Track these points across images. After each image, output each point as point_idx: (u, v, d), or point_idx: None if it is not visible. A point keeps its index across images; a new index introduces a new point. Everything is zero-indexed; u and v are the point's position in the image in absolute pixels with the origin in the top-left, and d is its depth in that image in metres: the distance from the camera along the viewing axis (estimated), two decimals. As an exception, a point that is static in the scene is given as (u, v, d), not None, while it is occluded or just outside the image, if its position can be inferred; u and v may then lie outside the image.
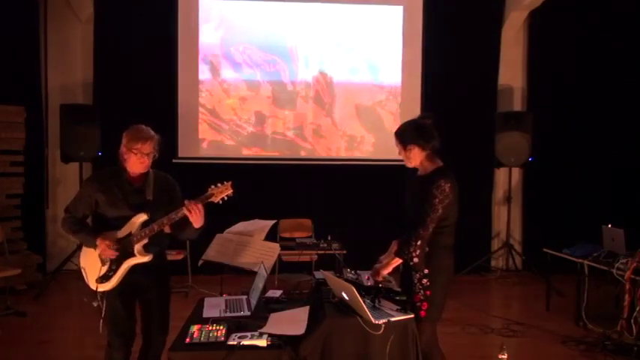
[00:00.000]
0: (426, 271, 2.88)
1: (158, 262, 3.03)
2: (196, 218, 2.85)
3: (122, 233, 2.92)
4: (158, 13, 6.47)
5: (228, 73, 5.48)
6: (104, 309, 2.93)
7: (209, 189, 2.89)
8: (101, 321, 2.93)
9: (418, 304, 2.88)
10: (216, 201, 2.86)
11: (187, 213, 2.83)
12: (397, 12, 6.20)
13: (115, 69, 6.43)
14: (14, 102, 5.94)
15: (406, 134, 2.96)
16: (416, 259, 2.88)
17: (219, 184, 2.89)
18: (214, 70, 5.60)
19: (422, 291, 2.89)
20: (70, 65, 6.64)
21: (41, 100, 6.48)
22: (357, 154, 6.06)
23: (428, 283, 2.88)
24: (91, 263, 2.97)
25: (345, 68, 5.83)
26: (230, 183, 2.89)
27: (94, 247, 2.91)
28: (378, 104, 5.85)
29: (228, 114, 5.53)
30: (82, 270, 3.01)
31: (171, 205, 2.92)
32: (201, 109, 6.30)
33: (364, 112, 5.81)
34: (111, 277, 2.92)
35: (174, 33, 6.46)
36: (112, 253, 2.88)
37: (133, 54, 6.45)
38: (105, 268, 2.92)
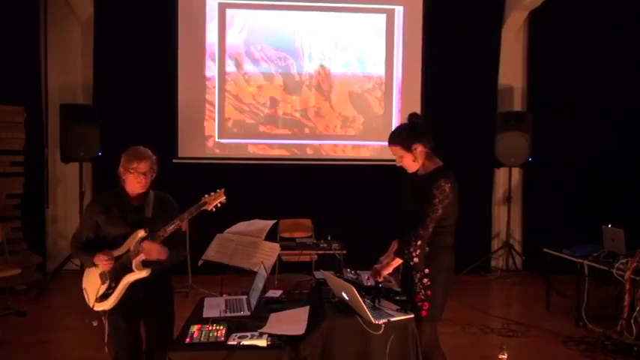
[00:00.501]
0: (427, 270, 2.88)
1: (159, 281, 3.03)
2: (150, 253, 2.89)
3: (121, 250, 2.93)
4: (158, 12, 6.47)
5: (248, 67, 6.69)
6: (107, 330, 2.94)
7: (202, 197, 2.92)
8: (105, 345, 2.94)
9: (419, 303, 2.88)
10: (209, 209, 2.90)
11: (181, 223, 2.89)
12: (381, 18, 6.83)
13: (115, 69, 6.43)
14: (14, 102, 5.94)
15: (406, 136, 2.92)
16: (416, 259, 2.88)
17: (212, 193, 2.93)
18: (238, 64, 6.68)
19: (423, 291, 2.88)
20: (70, 65, 6.64)
21: (41, 100, 6.47)
22: (350, 132, 6.86)
23: (429, 283, 2.87)
24: (92, 283, 2.99)
25: (340, 63, 6.81)
26: (223, 190, 2.93)
27: (94, 264, 2.93)
28: (366, 91, 6.85)
29: (248, 99, 6.73)
30: (84, 291, 3.03)
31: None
32: (208, 106, 6.65)
33: (355, 97, 6.83)
34: (110, 294, 2.92)
35: (174, 32, 6.47)
36: (107, 264, 2.89)
37: (133, 54, 6.45)
38: (104, 287, 2.94)
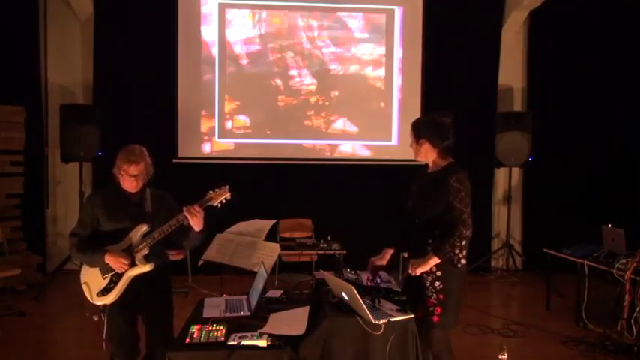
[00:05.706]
0: (439, 273, 2.81)
1: (159, 276, 3.04)
2: (196, 221, 2.90)
3: (123, 245, 2.94)
4: (158, 12, 6.47)
5: (248, 67, 6.38)
6: (105, 326, 2.95)
7: (207, 193, 2.93)
8: (103, 340, 2.95)
9: (431, 308, 2.81)
10: (214, 204, 2.92)
11: (187, 216, 2.87)
12: (381, 18, 6.73)
13: (115, 69, 6.43)
14: (14, 102, 5.94)
15: (422, 128, 2.92)
16: (463, 261, 2.81)
17: (217, 189, 2.94)
18: (237, 65, 6.44)
19: (435, 294, 2.82)
20: (70, 65, 6.63)
21: (41, 100, 6.47)
22: (351, 131, 6.72)
23: (441, 286, 2.81)
24: (92, 277, 2.99)
25: (344, 64, 6.69)
26: (227, 187, 2.94)
27: (102, 264, 2.93)
28: (366, 91, 6.73)
29: (247, 99, 6.42)
30: (84, 285, 3.03)
31: (171, 217, 2.95)
32: (205, 108, 6.55)
33: (355, 98, 6.70)
34: (112, 288, 2.94)
35: (174, 32, 6.46)
36: (123, 266, 2.89)
37: (132, 54, 6.45)
38: (106, 281, 2.95)
